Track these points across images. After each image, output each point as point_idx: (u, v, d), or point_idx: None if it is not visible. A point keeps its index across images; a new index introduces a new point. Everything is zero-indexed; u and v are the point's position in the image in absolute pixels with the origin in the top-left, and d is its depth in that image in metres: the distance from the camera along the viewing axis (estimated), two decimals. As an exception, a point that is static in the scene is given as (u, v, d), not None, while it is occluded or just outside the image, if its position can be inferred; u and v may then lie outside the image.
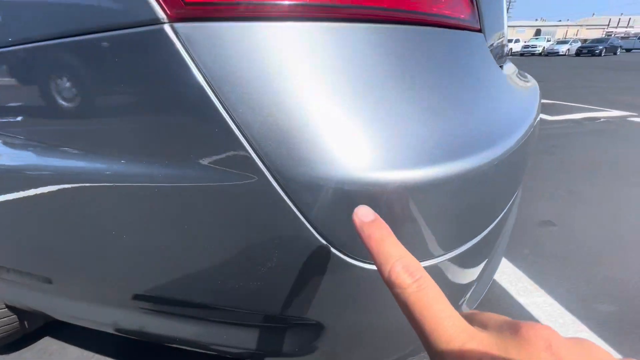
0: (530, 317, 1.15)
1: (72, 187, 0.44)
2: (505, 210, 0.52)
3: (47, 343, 1.02)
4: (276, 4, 0.32)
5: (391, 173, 0.32)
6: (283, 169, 0.33)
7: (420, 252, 0.38)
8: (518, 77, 0.84)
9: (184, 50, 0.31)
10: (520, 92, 0.66)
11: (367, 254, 0.37)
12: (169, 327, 0.55)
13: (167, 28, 0.31)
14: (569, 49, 25.98)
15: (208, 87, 0.32)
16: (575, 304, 1.20)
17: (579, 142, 2.97)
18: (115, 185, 0.40)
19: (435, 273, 0.41)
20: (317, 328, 0.44)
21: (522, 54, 29.28)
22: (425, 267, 0.39)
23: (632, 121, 3.69)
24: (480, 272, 0.51)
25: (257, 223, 0.36)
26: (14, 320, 0.83)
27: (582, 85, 6.83)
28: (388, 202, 0.33)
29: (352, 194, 0.33)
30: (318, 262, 0.37)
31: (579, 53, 23.05)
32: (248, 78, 0.32)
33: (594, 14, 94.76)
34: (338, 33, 0.34)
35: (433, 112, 0.37)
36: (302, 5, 0.33)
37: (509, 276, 1.35)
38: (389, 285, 0.24)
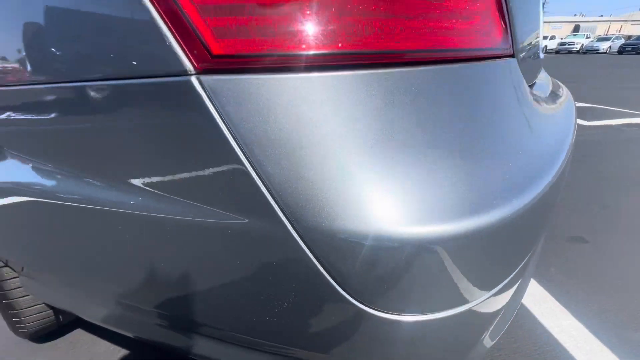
0: (554, 342, 1.10)
1: (94, 209, 0.47)
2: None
3: (79, 335, 1.09)
4: (303, 54, 0.32)
5: (434, 227, 0.32)
6: (303, 219, 0.33)
7: (456, 299, 0.38)
8: (551, 91, 0.80)
9: (209, 102, 0.32)
10: (554, 117, 0.63)
11: (402, 307, 0.37)
12: (186, 342, 0.57)
13: (193, 80, 0.32)
14: (610, 47, 24.32)
15: (232, 138, 0.33)
16: (605, 331, 1.13)
17: (615, 151, 2.78)
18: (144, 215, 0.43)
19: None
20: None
21: (557, 52, 27.72)
22: (458, 314, 0.38)
23: (680, 129, 3.41)
24: (509, 299, 0.49)
25: (270, 274, 0.38)
26: (50, 315, 0.92)
27: (624, 87, 6.35)
28: (429, 257, 0.33)
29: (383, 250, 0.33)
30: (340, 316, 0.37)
31: (621, 51, 21.49)
32: (272, 130, 0.32)
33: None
34: (366, 81, 0.34)
35: (468, 160, 0.36)
36: (332, 54, 0.33)
37: (533, 296, 1.29)
38: None
